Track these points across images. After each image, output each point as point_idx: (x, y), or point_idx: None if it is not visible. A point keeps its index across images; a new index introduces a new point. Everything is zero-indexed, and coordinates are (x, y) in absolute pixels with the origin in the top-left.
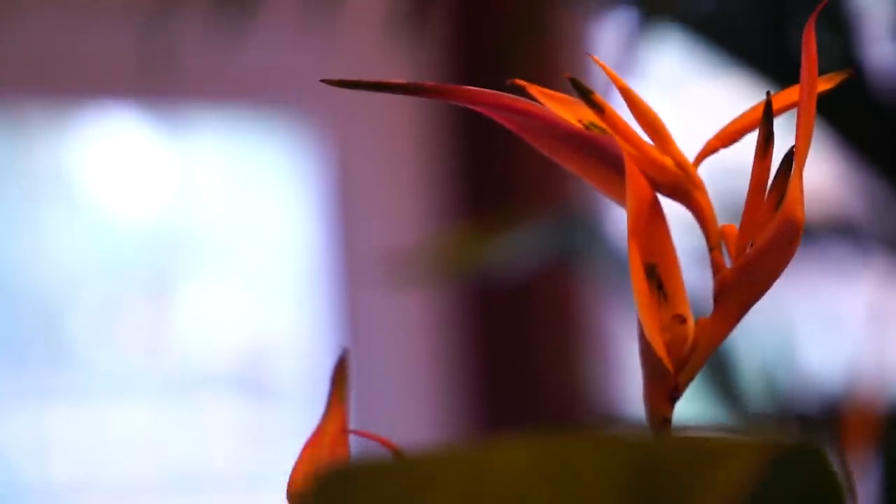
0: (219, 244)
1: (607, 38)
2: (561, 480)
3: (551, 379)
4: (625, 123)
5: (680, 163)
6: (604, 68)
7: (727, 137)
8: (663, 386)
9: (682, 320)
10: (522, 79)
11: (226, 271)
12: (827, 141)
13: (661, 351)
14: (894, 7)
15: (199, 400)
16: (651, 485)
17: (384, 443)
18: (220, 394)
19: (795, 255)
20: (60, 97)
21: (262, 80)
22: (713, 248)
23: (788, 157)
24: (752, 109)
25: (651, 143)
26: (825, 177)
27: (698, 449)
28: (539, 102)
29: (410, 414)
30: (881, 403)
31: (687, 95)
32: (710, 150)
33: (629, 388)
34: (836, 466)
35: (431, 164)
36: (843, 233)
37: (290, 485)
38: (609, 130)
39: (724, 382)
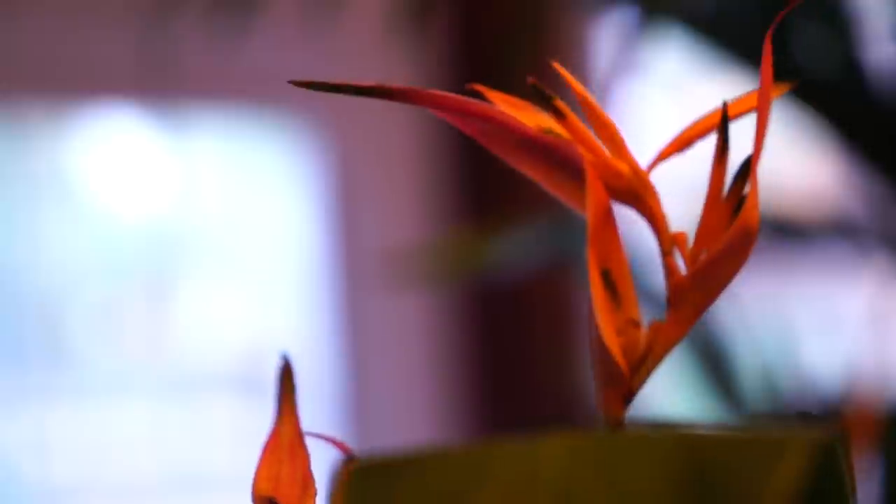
0: (219, 244)
1: (608, 37)
2: (613, 475)
3: (550, 380)
4: (585, 130)
5: (635, 169)
6: (564, 75)
7: (680, 145)
8: (618, 389)
9: (636, 325)
10: (521, 78)
11: (226, 271)
12: (827, 141)
13: (618, 355)
14: (894, 7)
15: (199, 400)
16: (705, 479)
17: (340, 446)
18: (220, 394)
19: (795, 255)
20: (60, 97)
21: (262, 80)
22: (667, 253)
23: (745, 164)
24: (707, 117)
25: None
26: (825, 177)
27: (754, 444)
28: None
29: (409, 414)
30: (881, 403)
31: (687, 95)
32: (662, 157)
33: None
34: (846, 460)
35: (431, 165)
36: (843, 233)
37: (254, 489)
38: (568, 136)
39: (724, 382)
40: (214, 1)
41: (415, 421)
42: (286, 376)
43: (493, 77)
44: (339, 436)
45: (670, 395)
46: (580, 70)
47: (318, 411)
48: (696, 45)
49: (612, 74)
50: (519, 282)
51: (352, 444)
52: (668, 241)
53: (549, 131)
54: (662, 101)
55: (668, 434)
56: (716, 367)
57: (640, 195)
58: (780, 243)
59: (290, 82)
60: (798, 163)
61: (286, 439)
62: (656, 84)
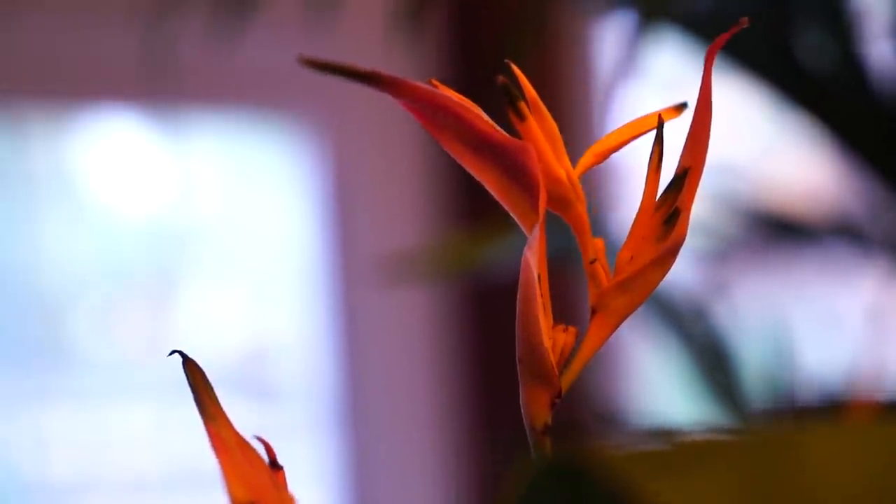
0: (219, 244)
1: (608, 38)
2: (884, 469)
3: None
4: (540, 134)
5: (569, 176)
6: (517, 74)
7: (602, 154)
8: (548, 392)
9: (564, 329)
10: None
11: (226, 271)
12: (827, 141)
13: (551, 358)
14: (894, 7)
15: None
16: None
17: (268, 448)
18: (221, 394)
19: (795, 255)
20: (61, 97)
21: (262, 81)
22: (591, 260)
23: (680, 177)
24: (628, 126)
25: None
26: (825, 177)
27: None
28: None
29: (407, 412)
30: (880, 403)
31: (687, 95)
32: (585, 166)
33: (628, 389)
34: None
35: (430, 164)
36: (843, 233)
37: (231, 497)
38: (520, 137)
39: (724, 382)
40: (214, 2)
41: (413, 419)
42: (195, 375)
43: (494, 77)
44: (338, 433)
45: (670, 395)
46: (582, 69)
47: (316, 410)
48: (696, 45)
49: (614, 75)
50: (516, 280)
51: (350, 442)
52: (591, 249)
53: (498, 129)
54: (662, 102)
55: None
56: (716, 367)
57: (571, 201)
58: (780, 243)
59: (296, 58)
60: (798, 163)
61: (230, 439)
62: (656, 84)
